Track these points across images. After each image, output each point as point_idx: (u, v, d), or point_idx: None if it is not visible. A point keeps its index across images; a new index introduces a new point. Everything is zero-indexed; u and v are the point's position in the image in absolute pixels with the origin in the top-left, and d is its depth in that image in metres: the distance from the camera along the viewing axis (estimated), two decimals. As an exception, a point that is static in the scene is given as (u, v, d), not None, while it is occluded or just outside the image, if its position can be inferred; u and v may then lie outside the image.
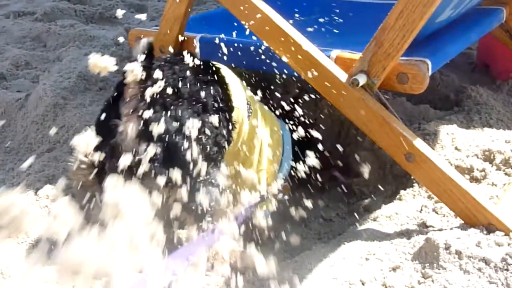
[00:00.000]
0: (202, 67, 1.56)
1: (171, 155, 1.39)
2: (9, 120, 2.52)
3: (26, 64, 3.03)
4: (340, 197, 2.05)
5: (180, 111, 1.41)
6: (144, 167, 1.39)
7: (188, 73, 1.49)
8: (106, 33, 3.40)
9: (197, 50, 1.95)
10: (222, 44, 1.88)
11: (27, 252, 1.68)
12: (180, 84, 1.45)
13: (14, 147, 2.38)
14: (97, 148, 1.49)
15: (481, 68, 2.84)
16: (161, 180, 1.38)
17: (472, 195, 1.48)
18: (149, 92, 1.40)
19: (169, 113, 1.40)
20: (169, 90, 1.42)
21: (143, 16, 3.88)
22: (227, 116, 1.54)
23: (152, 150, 1.37)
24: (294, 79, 2.43)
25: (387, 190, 1.98)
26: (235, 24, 1.74)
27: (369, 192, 2.03)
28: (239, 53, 1.86)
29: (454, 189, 1.49)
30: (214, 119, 1.48)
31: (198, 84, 1.49)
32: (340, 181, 2.08)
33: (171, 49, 1.87)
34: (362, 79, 1.53)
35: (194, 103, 1.45)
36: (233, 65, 1.88)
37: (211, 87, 1.51)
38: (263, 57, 1.81)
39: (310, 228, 1.87)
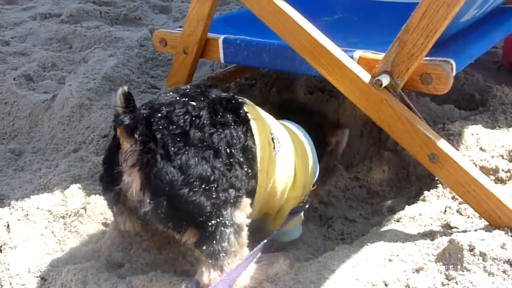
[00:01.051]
0: (223, 102, 1.44)
1: (177, 208, 1.31)
2: (36, 121, 2.56)
3: (53, 66, 3.07)
4: (363, 197, 2.04)
5: (185, 161, 1.30)
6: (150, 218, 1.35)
7: (203, 112, 1.37)
8: (131, 34, 3.43)
9: (221, 51, 1.96)
10: (246, 45, 1.89)
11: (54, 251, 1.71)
12: (190, 128, 1.33)
13: (41, 148, 2.42)
14: (103, 190, 1.47)
15: (507, 67, 2.81)
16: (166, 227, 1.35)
17: (497, 196, 1.46)
18: (148, 144, 1.30)
19: (173, 163, 1.30)
20: (177, 135, 1.32)
21: (167, 17, 3.93)
22: (247, 159, 1.43)
23: (157, 203, 1.31)
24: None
25: (411, 190, 1.97)
26: (259, 24, 1.75)
27: (393, 193, 2.02)
28: (263, 54, 1.87)
29: (478, 190, 1.48)
30: (226, 163, 1.37)
31: (213, 127, 1.37)
32: (363, 181, 2.09)
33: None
34: (385, 80, 1.53)
35: (204, 149, 1.33)
36: (256, 65, 1.90)
37: (227, 130, 1.39)
38: (286, 57, 1.82)
39: (333, 229, 1.87)
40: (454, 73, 1.55)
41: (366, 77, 1.58)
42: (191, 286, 1.38)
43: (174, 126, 1.32)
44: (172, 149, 1.30)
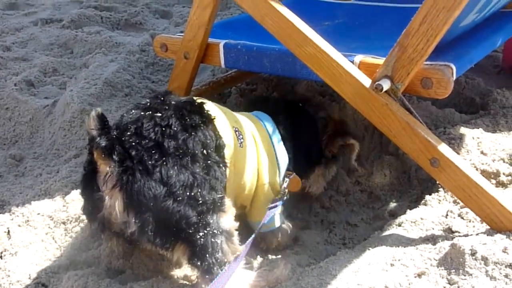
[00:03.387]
0: (187, 106, 1.45)
1: (163, 222, 1.30)
2: (37, 127, 2.56)
3: (54, 71, 3.07)
4: (365, 202, 2.04)
5: (165, 172, 1.29)
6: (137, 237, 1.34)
7: (172, 120, 1.37)
8: (132, 39, 3.43)
9: (222, 56, 1.97)
10: (246, 50, 1.90)
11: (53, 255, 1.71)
12: (163, 138, 1.33)
13: (41, 153, 2.42)
14: (89, 223, 1.47)
15: (507, 71, 2.81)
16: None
17: (498, 200, 1.46)
18: (125, 163, 1.29)
19: (153, 176, 1.29)
20: (151, 148, 1.31)
21: (168, 22, 3.94)
22: (220, 158, 1.45)
23: (143, 221, 1.30)
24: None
25: (412, 195, 1.97)
26: (259, 30, 1.75)
27: (394, 197, 2.02)
28: (264, 58, 1.87)
29: (479, 194, 1.48)
30: (204, 167, 1.38)
31: (185, 132, 1.37)
32: (365, 186, 2.09)
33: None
34: (386, 84, 1.53)
35: (181, 156, 1.33)
36: (257, 70, 1.89)
37: (199, 132, 1.40)
38: (287, 62, 1.82)
39: (335, 233, 1.87)
40: (454, 78, 1.56)
41: (366, 81, 1.58)
42: None
43: (147, 140, 1.32)
44: (150, 162, 1.29)
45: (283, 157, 1.75)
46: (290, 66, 1.81)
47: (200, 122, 1.43)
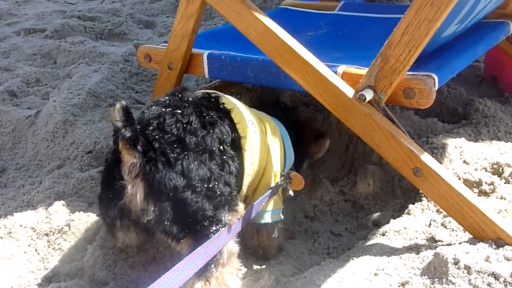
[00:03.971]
0: (204, 102, 1.52)
1: (181, 212, 1.36)
2: (19, 137, 2.54)
3: (37, 81, 3.06)
4: (349, 211, 2.05)
5: (186, 165, 1.36)
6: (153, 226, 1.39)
7: (192, 117, 1.44)
8: (116, 49, 3.42)
9: (205, 66, 1.97)
10: (230, 61, 1.90)
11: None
12: (185, 134, 1.40)
13: (24, 164, 2.40)
14: (105, 208, 1.51)
15: (489, 80, 2.84)
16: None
17: (480, 209, 1.47)
18: (148, 154, 1.34)
19: (175, 169, 1.35)
20: (173, 142, 1.38)
21: (151, 32, 3.93)
22: (235, 150, 1.52)
23: (161, 209, 1.35)
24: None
25: (396, 204, 1.98)
26: (243, 40, 1.76)
27: (378, 206, 2.03)
28: (247, 69, 1.88)
29: (462, 203, 1.49)
30: (219, 163, 1.44)
31: (204, 129, 1.44)
32: (348, 195, 2.09)
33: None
34: (369, 95, 1.54)
35: (201, 153, 1.40)
36: (241, 81, 1.89)
37: (216, 129, 1.47)
38: (271, 73, 1.82)
39: (319, 243, 1.87)
40: (436, 88, 1.57)
41: (350, 92, 1.59)
42: None
43: (169, 135, 1.38)
44: (172, 155, 1.35)
45: (290, 151, 1.80)
46: (274, 77, 1.82)
47: (217, 118, 1.50)
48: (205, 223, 1.37)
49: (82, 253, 1.69)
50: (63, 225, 1.79)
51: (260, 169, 1.67)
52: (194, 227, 1.37)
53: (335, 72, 1.65)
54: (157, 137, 1.37)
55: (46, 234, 1.80)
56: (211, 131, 1.45)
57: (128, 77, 3.03)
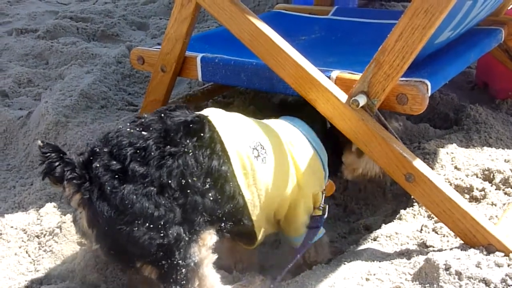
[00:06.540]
0: (180, 128, 1.38)
1: (120, 245, 1.29)
2: (10, 138, 2.53)
3: (28, 82, 3.05)
4: (340, 216, 2.05)
5: (122, 198, 1.26)
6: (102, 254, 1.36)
7: (149, 142, 1.32)
8: (108, 51, 3.41)
9: (199, 69, 1.97)
10: (224, 64, 1.90)
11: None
12: (130, 162, 1.29)
13: (15, 165, 2.39)
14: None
15: (481, 87, 2.86)
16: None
17: (471, 215, 1.48)
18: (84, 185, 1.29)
19: (110, 202, 1.26)
20: (116, 172, 1.28)
21: (144, 34, 3.92)
22: (214, 183, 1.38)
23: (102, 241, 1.31)
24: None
25: (387, 209, 1.98)
26: (237, 43, 1.76)
27: (369, 211, 2.03)
28: (241, 73, 1.88)
29: (453, 209, 1.49)
30: (177, 197, 1.31)
31: (162, 159, 1.31)
32: (340, 200, 2.10)
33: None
34: (362, 100, 1.54)
35: (146, 185, 1.28)
36: (234, 84, 1.89)
37: (180, 160, 1.33)
38: (264, 76, 1.82)
39: (310, 247, 1.87)
40: (429, 94, 1.58)
41: (343, 97, 1.59)
42: None
43: (115, 162, 1.29)
44: (108, 188, 1.27)
45: (325, 158, 1.67)
46: (267, 80, 1.82)
47: (190, 146, 1.36)
48: (151, 258, 1.30)
49: (73, 256, 1.69)
50: (54, 227, 1.78)
51: (283, 194, 1.54)
52: (144, 259, 1.31)
53: (329, 77, 1.65)
54: (102, 163, 1.29)
55: (37, 236, 1.79)
56: (169, 161, 1.32)
57: (120, 79, 3.02)
